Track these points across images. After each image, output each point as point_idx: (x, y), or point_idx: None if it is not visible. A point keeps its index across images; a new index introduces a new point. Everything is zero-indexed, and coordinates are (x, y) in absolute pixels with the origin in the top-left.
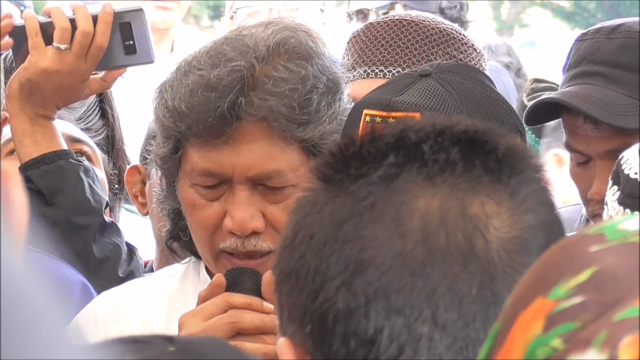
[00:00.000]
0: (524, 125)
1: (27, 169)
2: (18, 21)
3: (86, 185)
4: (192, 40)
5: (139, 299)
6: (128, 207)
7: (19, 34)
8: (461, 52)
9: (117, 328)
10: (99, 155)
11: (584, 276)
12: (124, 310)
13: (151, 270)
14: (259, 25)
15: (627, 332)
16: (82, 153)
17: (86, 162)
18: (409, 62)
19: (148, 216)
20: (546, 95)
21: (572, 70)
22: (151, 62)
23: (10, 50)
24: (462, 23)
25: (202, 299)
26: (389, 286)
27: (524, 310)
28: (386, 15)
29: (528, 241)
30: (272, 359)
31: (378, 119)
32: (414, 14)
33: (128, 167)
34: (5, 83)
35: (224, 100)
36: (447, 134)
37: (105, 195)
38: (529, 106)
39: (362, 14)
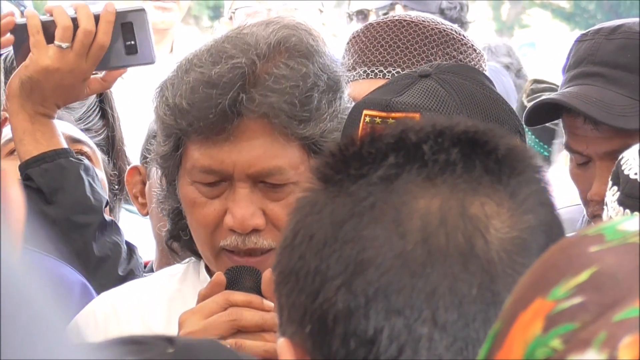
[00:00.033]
0: (524, 126)
1: (27, 167)
2: (19, 20)
3: (86, 183)
4: (191, 40)
5: (138, 300)
6: (128, 207)
7: (20, 33)
8: (461, 53)
9: (117, 328)
10: (99, 155)
11: (583, 277)
12: (123, 310)
13: (151, 270)
14: (260, 24)
15: (626, 332)
16: (82, 153)
17: (86, 161)
18: (408, 63)
19: (148, 217)
20: (546, 96)
21: (572, 71)
22: (152, 62)
23: (12, 50)
24: (462, 24)
25: (202, 297)
26: (389, 286)
27: (524, 311)
28: (386, 16)
29: (528, 242)
30: (273, 357)
31: (378, 120)
32: (413, 14)
33: (128, 167)
34: (5, 83)
35: (225, 97)
36: (447, 135)
37: (105, 194)
38: (528, 107)
39: (362, 14)
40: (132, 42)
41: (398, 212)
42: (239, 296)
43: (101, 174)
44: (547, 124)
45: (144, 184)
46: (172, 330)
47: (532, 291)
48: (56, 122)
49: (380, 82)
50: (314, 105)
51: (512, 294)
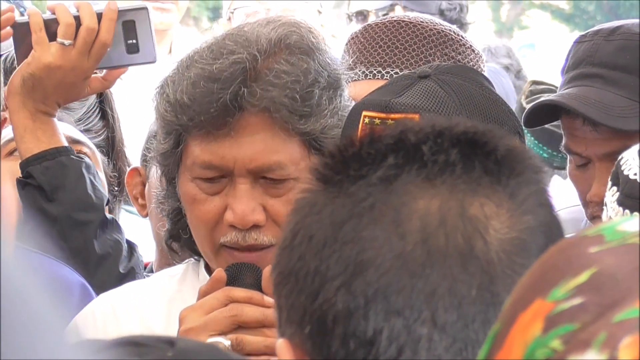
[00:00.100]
0: (523, 127)
1: (28, 165)
2: (21, 18)
3: (87, 181)
4: (190, 41)
5: (138, 300)
6: (128, 208)
7: (21, 31)
8: (459, 53)
9: (116, 329)
10: (99, 156)
11: (583, 277)
12: (123, 311)
13: (151, 271)
14: (260, 23)
15: (626, 333)
16: (81, 154)
17: (87, 159)
18: (407, 64)
19: (148, 218)
20: (545, 97)
21: (571, 72)
22: (154, 61)
23: (12, 50)
24: (462, 25)
25: (203, 294)
26: (388, 287)
27: (524, 312)
28: (385, 17)
29: (527, 242)
30: (273, 353)
31: (377, 121)
32: (412, 15)
33: (128, 169)
34: (5, 84)
35: (226, 91)
36: (447, 135)
37: (106, 192)
38: (527, 108)
39: (362, 15)
40: (134, 41)
41: (397, 213)
42: (239, 292)
43: (101, 175)
44: (546, 126)
45: (144, 185)
46: (171, 331)
47: (531, 292)
48: (56, 121)
49: (379, 83)
50: (314, 101)
51: (512, 294)
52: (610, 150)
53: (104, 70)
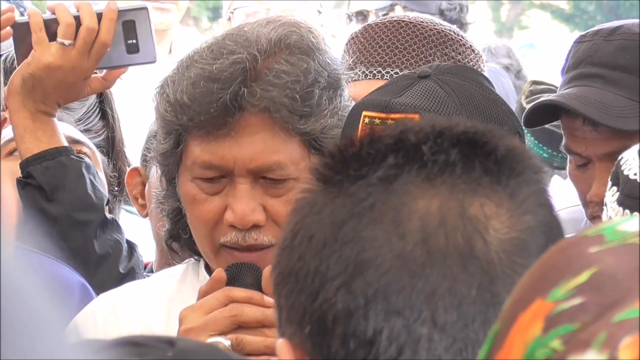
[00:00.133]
0: (523, 127)
1: (28, 165)
2: (21, 18)
3: (87, 181)
4: (190, 41)
5: (138, 300)
6: (128, 208)
7: (21, 31)
8: (459, 53)
9: (116, 329)
10: (99, 157)
11: (583, 277)
12: (123, 311)
13: (151, 272)
14: (260, 23)
15: (626, 333)
16: (81, 154)
17: (87, 159)
18: (406, 63)
19: (148, 218)
20: (545, 97)
21: (571, 72)
22: (154, 61)
23: (12, 50)
24: (462, 25)
25: (203, 294)
26: (388, 287)
27: (524, 312)
28: (384, 17)
29: (527, 242)
30: (273, 352)
31: (377, 121)
32: (411, 15)
33: (128, 169)
34: (5, 84)
35: (226, 91)
36: (447, 135)
37: (106, 192)
38: (527, 108)
39: (362, 15)
40: (134, 41)
41: (397, 213)
42: (239, 292)
43: (101, 175)
44: (546, 126)
45: (144, 185)
46: (171, 331)
47: (531, 292)
48: (56, 120)
49: (379, 83)
50: (314, 101)
51: (512, 294)
52: (610, 150)
53: (104, 71)
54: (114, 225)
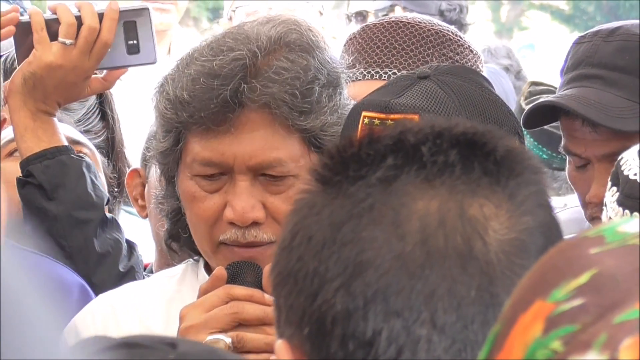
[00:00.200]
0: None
1: (29, 164)
2: (22, 18)
3: (88, 180)
4: (190, 42)
5: (137, 301)
6: (127, 209)
7: (22, 31)
8: (457, 54)
9: (116, 330)
10: (98, 157)
11: (583, 278)
12: (122, 311)
13: (151, 272)
14: (260, 21)
15: (627, 334)
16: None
17: (87, 158)
18: (405, 64)
19: (147, 219)
20: (544, 98)
21: (570, 73)
22: (154, 62)
23: (12, 51)
24: (462, 25)
25: (203, 292)
26: (387, 288)
27: (524, 313)
28: (383, 17)
29: (527, 243)
30: (274, 350)
31: (376, 121)
32: (410, 16)
33: (128, 170)
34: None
35: (226, 87)
36: (446, 136)
37: (106, 192)
38: (527, 109)
39: (361, 16)
40: (135, 42)
41: (397, 214)
42: (240, 290)
43: (101, 176)
44: (545, 127)
45: (144, 186)
46: (171, 332)
47: (532, 293)
48: (56, 121)
49: (377, 83)
50: (314, 98)
51: (512, 295)
52: (609, 151)
53: (104, 71)
54: (114, 224)
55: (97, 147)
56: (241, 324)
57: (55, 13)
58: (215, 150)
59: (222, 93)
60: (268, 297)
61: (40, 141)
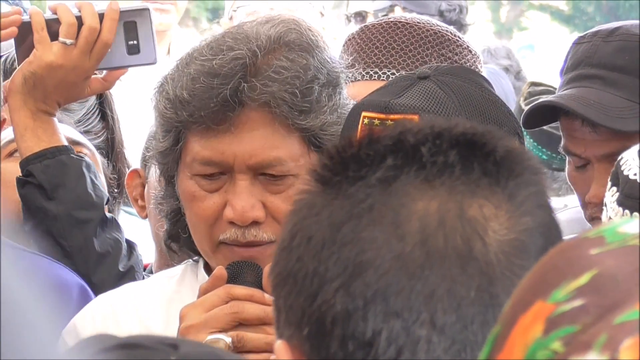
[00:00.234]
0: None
1: (29, 164)
2: (23, 17)
3: (88, 180)
4: (189, 42)
5: (137, 301)
6: (127, 209)
7: (22, 31)
8: (456, 54)
9: (116, 330)
10: (98, 158)
11: (583, 279)
12: (122, 312)
13: (151, 273)
14: (259, 21)
15: (627, 335)
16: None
17: (87, 158)
18: (403, 64)
19: (147, 219)
20: (544, 98)
21: (570, 73)
22: (154, 63)
23: (12, 51)
24: (461, 26)
25: (204, 291)
26: (387, 288)
27: (524, 313)
28: (382, 18)
29: (526, 244)
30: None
31: (376, 122)
32: (409, 16)
33: (128, 170)
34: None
35: (226, 86)
36: (446, 137)
37: (106, 192)
38: (526, 109)
39: (361, 16)
40: (135, 42)
41: (396, 214)
42: (240, 290)
43: (100, 176)
44: (545, 127)
45: (144, 186)
46: (170, 332)
47: (532, 294)
48: (56, 121)
49: (376, 84)
50: (314, 97)
51: (512, 296)
52: (609, 151)
53: (104, 71)
54: (114, 223)
55: (97, 147)
56: (241, 323)
57: (55, 13)
58: (215, 149)
59: (222, 92)
60: (268, 297)
61: (40, 141)
